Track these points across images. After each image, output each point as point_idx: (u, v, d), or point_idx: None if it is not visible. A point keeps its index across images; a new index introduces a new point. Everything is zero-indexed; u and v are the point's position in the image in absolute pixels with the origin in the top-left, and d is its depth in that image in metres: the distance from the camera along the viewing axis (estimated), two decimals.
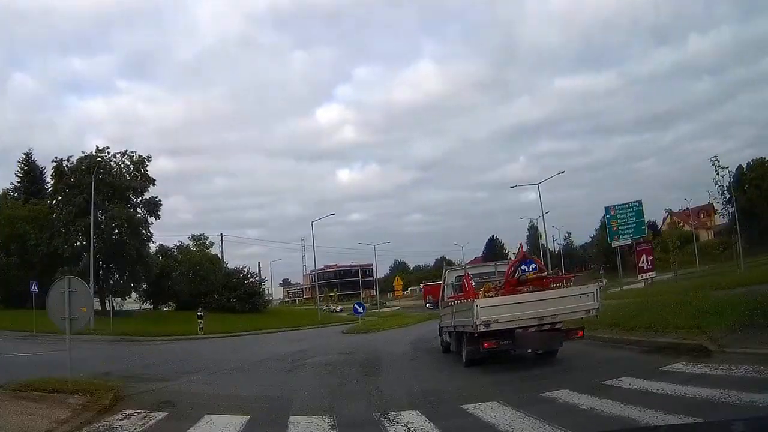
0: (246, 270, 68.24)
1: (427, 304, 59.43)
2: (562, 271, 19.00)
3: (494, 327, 13.16)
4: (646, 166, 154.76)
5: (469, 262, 44.55)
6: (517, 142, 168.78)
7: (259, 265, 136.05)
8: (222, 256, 70.57)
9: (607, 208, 52.35)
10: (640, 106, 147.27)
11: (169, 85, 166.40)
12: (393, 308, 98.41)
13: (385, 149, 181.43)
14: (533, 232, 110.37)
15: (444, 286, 20.09)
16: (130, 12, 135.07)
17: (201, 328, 42.87)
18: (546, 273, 15.48)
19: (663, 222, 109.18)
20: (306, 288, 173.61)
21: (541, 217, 61.46)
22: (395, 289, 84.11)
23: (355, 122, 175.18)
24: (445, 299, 19.63)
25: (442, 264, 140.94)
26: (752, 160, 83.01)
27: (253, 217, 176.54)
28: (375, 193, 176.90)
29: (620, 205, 51.73)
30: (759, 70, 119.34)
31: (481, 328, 13.09)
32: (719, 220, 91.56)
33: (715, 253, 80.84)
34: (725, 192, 55.26)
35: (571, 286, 14.83)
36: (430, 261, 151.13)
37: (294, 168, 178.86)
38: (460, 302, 16.16)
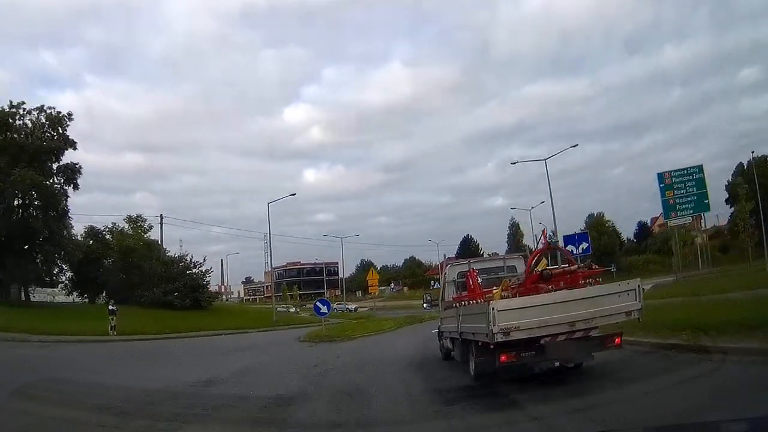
0: (188, 258, 56.50)
1: (425, 304, 45.45)
2: (595, 266, 14.10)
3: (515, 336, 10.27)
4: (617, 173, 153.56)
5: (446, 261, 36.52)
6: (487, 146, 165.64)
7: (222, 263, 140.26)
8: (161, 242, 58.60)
9: (660, 175, 43.16)
10: (613, 114, 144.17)
11: (139, 81, 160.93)
12: (362, 309, 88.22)
13: (354, 150, 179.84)
14: (514, 230, 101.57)
15: (444, 284, 17.77)
16: (101, 6, 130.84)
17: (113, 327, 34.19)
18: (576, 266, 12.78)
19: (653, 223, 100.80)
20: (267, 286, 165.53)
21: (549, 200, 48.77)
22: (369, 284, 71.21)
23: (323, 122, 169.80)
24: (446, 299, 17.40)
25: (411, 263, 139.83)
26: (754, 157, 76.67)
27: (221, 214, 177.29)
28: (342, 194, 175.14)
29: (677, 171, 42.30)
30: (732, 83, 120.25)
31: (499, 338, 10.19)
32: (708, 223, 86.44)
33: (717, 254, 77.30)
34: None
35: (600, 283, 11.84)
36: (399, 261, 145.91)
37: (262, 167, 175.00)
38: (468, 304, 13.65)
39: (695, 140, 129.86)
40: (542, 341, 10.62)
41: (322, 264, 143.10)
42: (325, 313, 34.30)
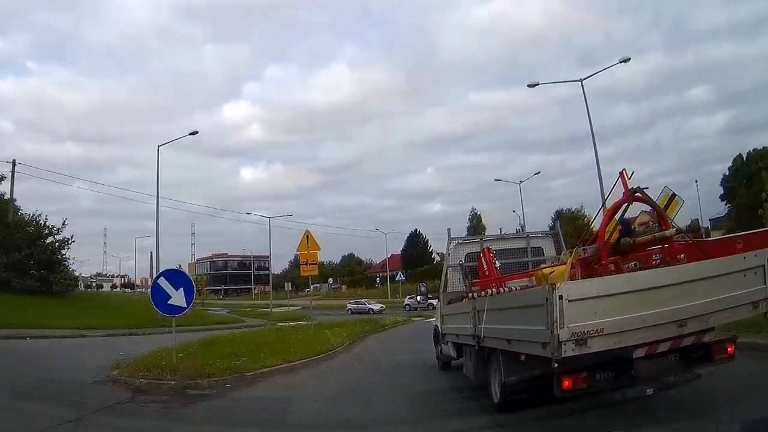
0: (43, 221, 37.73)
1: (418, 297, 31.52)
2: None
3: (595, 346, 6.16)
4: (558, 185, 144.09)
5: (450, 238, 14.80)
6: (428, 152, 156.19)
7: (151, 256, 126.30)
8: (11, 196, 39.25)
9: None
10: (558, 126, 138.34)
11: (81, 71, 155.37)
12: (292, 308, 73.26)
13: (292, 150, 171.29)
14: (475, 222, 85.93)
15: (447, 270, 12.88)
16: None
17: None
18: (675, 230, 8.14)
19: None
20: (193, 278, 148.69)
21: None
22: (307, 262, 53.32)
23: (263, 121, 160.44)
24: (451, 289, 12.69)
25: (350, 261, 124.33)
26: (753, 150, 68.33)
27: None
28: (279, 193, 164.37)
29: None
30: (682, 101, 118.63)
31: (569, 350, 6.04)
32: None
33: None
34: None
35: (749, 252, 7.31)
36: (336, 258, 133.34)
37: (199, 163, 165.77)
38: (498, 292, 9.15)
39: (641, 155, 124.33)
40: (635, 353, 6.55)
41: (250, 257, 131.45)
42: (181, 309, 12.53)
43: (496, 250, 11.66)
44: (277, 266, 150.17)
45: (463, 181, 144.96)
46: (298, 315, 54.88)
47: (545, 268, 9.66)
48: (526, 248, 12.41)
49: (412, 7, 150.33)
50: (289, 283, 72.98)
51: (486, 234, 77.53)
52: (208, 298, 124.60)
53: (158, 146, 37.57)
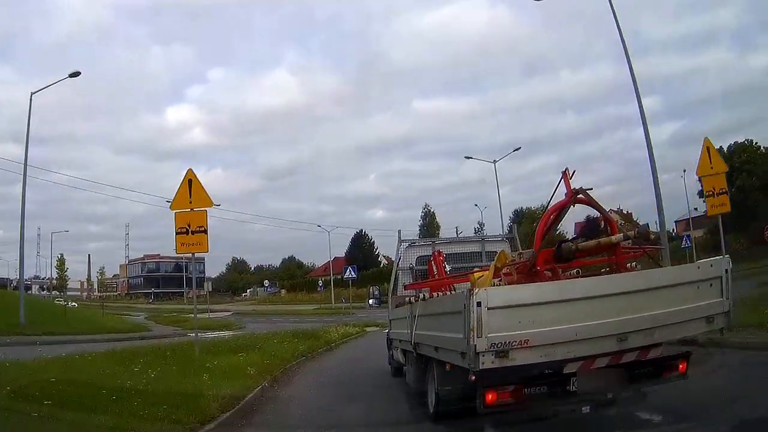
0: None
1: (371, 300, 31.67)
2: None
3: (520, 358, 5.70)
4: (502, 193, 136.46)
5: (401, 241, 12.87)
6: (371, 158, 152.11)
7: (89, 258, 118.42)
8: None
9: None
10: (503, 134, 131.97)
11: (21, 70, 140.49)
12: (224, 313, 65.40)
13: (235, 154, 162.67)
14: (428, 220, 77.54)
15: (397, 273, 12.26)
16: None
17: None
18: (622, 235, 6.95)
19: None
20: (124, 281, 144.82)
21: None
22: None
23: (205, 124, 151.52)
24: (399, 293, 11.80)
25: (290, 264, 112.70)
26: (734, 143, 64.08)
27: (97, 211, 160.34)
28: (221, 197, 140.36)
29: None
30: (629, 111, 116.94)
31: (488, 362, 5.61)
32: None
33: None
34: None
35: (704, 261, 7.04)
36: (276, 261, 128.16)
37: (141, 165, 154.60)
38: (430, 297, 8.75)
39: (587, 164, 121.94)
40: (566, 368, 5.95)
41: (184, 259, 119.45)
42: None
43: (450, 254, 11.07)
44: (215, 269, 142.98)
45: (407, 187, 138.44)
46: (223, 323, 45.75)
47: (476, 272, 8.27)
48: (482, 252, 11.45)
49: (358, 13, 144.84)
50: (209, 283, 62.76)
51: (441, 233, 70.31)
52: (136, 301, 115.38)
53: (31, 93, 28.44)
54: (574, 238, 7.76)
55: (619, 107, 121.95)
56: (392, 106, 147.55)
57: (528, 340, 5.60)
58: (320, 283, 71.62)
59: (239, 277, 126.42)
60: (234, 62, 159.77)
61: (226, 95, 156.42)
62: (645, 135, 19.37)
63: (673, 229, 74.76)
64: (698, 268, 6.63)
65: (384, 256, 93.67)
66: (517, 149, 40.10)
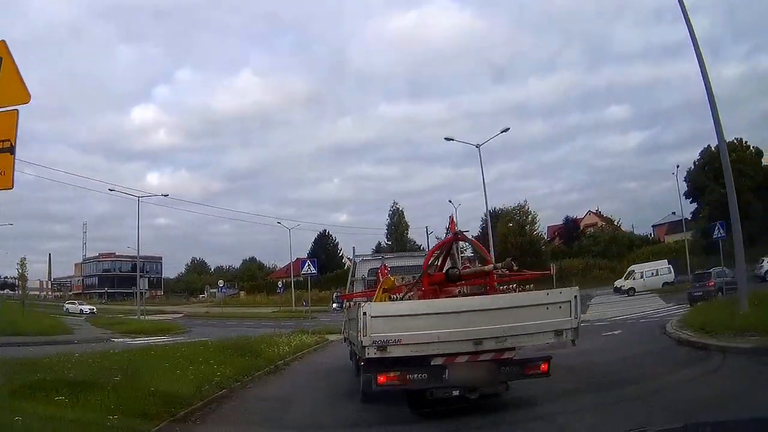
0: None
1: (334, 304, 34.85)
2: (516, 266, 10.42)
3: (396, 352, 7.75)
4: (467, 198, 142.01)
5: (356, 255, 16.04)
6: (336, 161, 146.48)
7: (49, 257, 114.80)
8: None
9: None
10: (470, 139, 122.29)
11: None
12: (175, 315, 59.80)
13: (199, 156, 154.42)
14: (396, 219, 71.78)
15: (352, 283, 14.11)
16: None
17: None
18: (492, 266, 9.53)
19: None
20: (78, 280, 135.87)
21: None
22: None
23: (170, 125, 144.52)
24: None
25: (251, 265, 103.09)
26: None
27: (60, 210, 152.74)
28: (185, 198, 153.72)
29: None
30: (595, 119, 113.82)
31: (372, 353, 7.69)
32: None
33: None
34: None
35: (530, 289, 11.07)
36: (237, 262, 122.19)
37: (105, 165, 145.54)
38: (351, 306, 11.49)
39: (554, 171, 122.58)
40: (435, 362, 7.94)
41: (136, 257, 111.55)
42: None
43: (399, 267, 12.43)
44: (173, 270, 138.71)
45: (372, 191, 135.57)
46: (164, 326, 39.59)
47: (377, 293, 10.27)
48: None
49: (325, 16, 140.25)
50: (144, 280, 56.80)
51: (409, 232, 65.17)
52: (89, 301, 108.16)
53: None
54: (454, 268, 9.51)
55: (587, 114, 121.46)
56: (359, 110, 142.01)
57: (401, 339, 7.64)
58: (280, 284, 65.43)
59: (198, 278, 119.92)
60: (200, 63, 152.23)
61: (192, 96, 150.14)
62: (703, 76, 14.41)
63: (650, 234, 70.92)
64: (548, 294, 8.31)
65: (348, 258, 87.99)
66: (505, 130, 34.16)
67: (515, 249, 53.00)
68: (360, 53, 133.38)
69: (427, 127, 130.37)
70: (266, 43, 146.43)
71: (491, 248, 33.63)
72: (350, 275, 14.40)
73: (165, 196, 51.98)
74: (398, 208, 74.53)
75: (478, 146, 34.27)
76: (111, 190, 47.01)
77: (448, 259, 9.94)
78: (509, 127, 34.36)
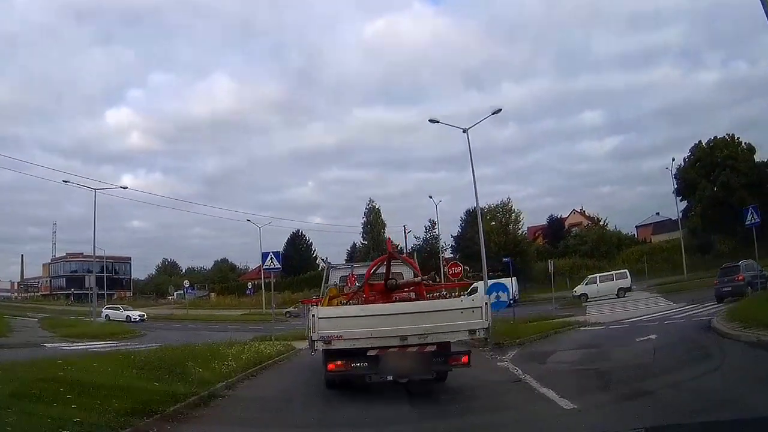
0: None
1: (293, 307, 35.63)
2: (440, 278, 14.86)
3: (338, 345, 9.58)
4: (444, 200, 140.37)
5: (329, 265, 17.99)
6: (309, 166, 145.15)
7: (22, 259, 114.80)
8: None
9: None
10: (442, 144, 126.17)
11: None
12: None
13: (173, 159, 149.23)
14: (372, 218, 67.27)
15: (327, 290, 14.19)
16: None
17: None
18: (420, 279, 11.95)
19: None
20: (46, 280, 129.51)
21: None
22: None
23: (144, 128, 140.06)
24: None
25: (222, 266, 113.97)
26: (714, 137, 55.43)
27: (34, 214, 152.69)
28: (160, 202, 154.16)
29: None
30: (570, 124, 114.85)
31: (320, 345, 9.62)
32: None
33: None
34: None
35: (458, 296, 12.75)
36: (208, 263, 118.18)
37: (79, 169, 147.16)
38: (309, 308, 12.14)
39: (527, 176, 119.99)
40: (370, 353, 9.57)
41: (108, 259, 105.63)
42: None
43: (362, 275, 12.98)
44: (143, 271, 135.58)
45: (346, 195, 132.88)
46: (116, 329, 35.04)
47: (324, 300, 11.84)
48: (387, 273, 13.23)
49: (298, 21, 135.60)
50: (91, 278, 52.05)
51: (386, 231, 61.45)
52: (54, 302, 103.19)
53: None
54: (392, 279, 11.33)
55: (561, 120, 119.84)
56: (332, 115, 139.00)
57: (341, 335, 9.38)
58: (249, 286, 60.59)
59: (168, 280, 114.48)
60: (173, 67, 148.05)
61: (165, 99, 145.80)
62: None
63: (634, 235, 67.60)
64: (462, 300, 10.99)
65: (322, 259, 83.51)
66: (497, 111, 29.80)
67: (499, 249, 48.87)
68: (333, 59, 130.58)
69: (401, 132, 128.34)
70: (240, 48, 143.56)
71: (482, 241, 30.14)
72: (323, 282, 15.09)
73: (124, 188, 46.87)
74: (374, 206, 70.09)
75: (465, 130, 30.23)
76: (65, 182, 43.16)
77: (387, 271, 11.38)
78: (501, 108, 30.21)
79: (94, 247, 46.44)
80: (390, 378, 9.67)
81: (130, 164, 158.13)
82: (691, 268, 47.13)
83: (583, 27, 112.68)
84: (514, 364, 13.14)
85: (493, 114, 30.21)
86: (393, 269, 12.23)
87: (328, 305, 10.89)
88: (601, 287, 40.00)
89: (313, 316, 9.53)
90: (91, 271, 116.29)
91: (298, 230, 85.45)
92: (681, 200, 53.41)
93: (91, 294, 50.29)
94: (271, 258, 20.30)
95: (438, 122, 31.43)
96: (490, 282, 26.30)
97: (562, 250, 56.90)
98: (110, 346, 23.58)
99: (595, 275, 42.46)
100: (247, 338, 23.51)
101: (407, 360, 9.51)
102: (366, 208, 70.52)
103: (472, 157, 29.03)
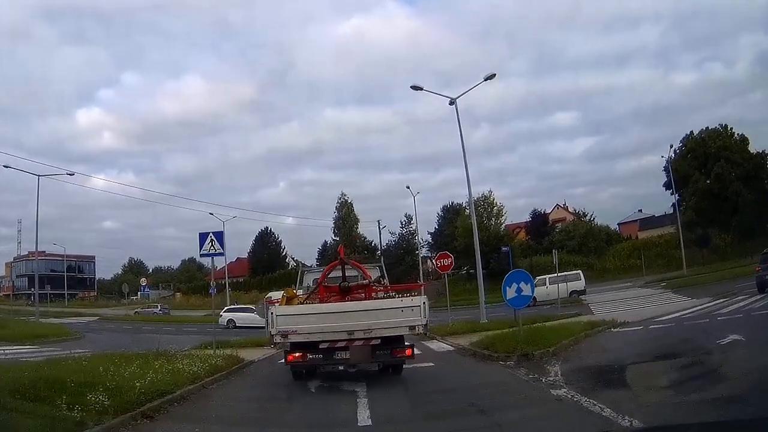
0: None
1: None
2: (382, 279, 13.54)
3: (294, 339, 10.62)
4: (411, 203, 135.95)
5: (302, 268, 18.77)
6: (280, 166, 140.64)
7: None
8: None
9: None
10: (414, 145, 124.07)
11: None
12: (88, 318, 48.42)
13: (144, 159, 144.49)
14: (344, 212, 61.56)
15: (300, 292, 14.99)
16: None
17: None
18: (368, 281, 12.41)
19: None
20: (8, 280, 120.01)
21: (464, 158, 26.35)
22: None
23: (114, 129, 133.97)
24: None
25: (189, 266, 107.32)
26: (706, 128, 51.15)
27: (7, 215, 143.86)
28: (131, 202, 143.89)
29: None
30: (544, 125, 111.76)
31: (279, 339, 10.67)
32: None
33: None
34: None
35: (409, 297, 11.68)
36: (176, 263, 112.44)
37: (49, 169, 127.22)
38: (268, 308, 13.87)
39: (500, 177, 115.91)
40: (321, 345, 10.53)
41: (70, 258, 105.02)
42: None
43: (334, 277, 13.03)
44: (108, 270, 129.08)
45: (318, 196, 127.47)
46: (49, 330, 29.75)
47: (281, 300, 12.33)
48: (357, 275, 13.39)
49: (270, 21, 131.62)
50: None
51: (359, 227, 56.08)
52: (14, 302, 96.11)
53: None
54: (344, 282, 11.90)
55: (534, 121, 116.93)
56: (305, 115, 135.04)
57: (296, 330, 10.34)
58: (212, 284, 54.69)
59: (135, 279, 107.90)
60: (145, 67, 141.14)
61: (137, 100, 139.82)
62: None
63: (617, 231, 63.33)
64: (402, 300, 10.85)
65: (292, 258, 77.74)
66: (490, 77, 25.08)
67: (480, 245, 43.61)
68: (306, 59, 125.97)
69: (374, 133, 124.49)
70: (212, 48, 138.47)
71: (475, 232, 26.13)
72: (297, 284, 15.05)
73: (70, 174, 42.25)
74: (347, 200, 64.23)
75: (452, 101, 25.76)
76: (6, 167, 38.16)
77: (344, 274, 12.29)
78: (495, 74, 25.26)
79: (37, 239, 40.84)
80: (341, 368, 11.06)
81: (101, 164, 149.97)
82: (688, 263, 42.79)
83: (563, 26, 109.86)
84: (581, 393, 7.84)
85: (486, 80, 25.24)
86: (346, 273, 12.74)
87: (286, 305, 11.42)
88: (550, 290, 33.30)
89: (272, 313, 10.65)
90: (55, 271, 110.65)
91: (267, 228, 79.79)
92: (672, 194, 49.12)
93: (35, 294, 44.28)
94: (212, 241, 14.66)
95: (422, 89, 26.66)
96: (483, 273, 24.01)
97: (547, 246, 52.00)
98: (20, 352, 19.00)
99: (543, 276, 36.19)
100: (191, 344, 18.73)
101: (355, 352, 10.38)
102: (338, 202, 64.88)
103: (462, 128, 24.36)
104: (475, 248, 24.81)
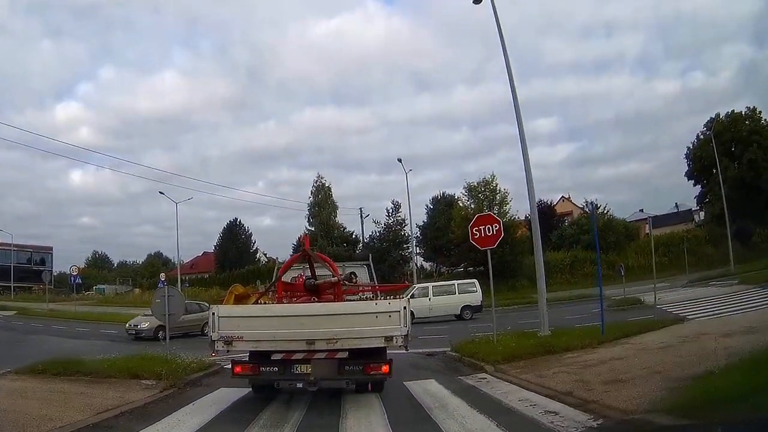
0: None
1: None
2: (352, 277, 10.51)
3: (239, 346, 8.13)
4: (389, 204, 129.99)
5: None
6: (257, 165, 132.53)
7: None
8: None
9: None
10: (393, 147, 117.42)
11: None
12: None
13: (122, 155, 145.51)
14: (321, 197, 51.34)
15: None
16: None
17: None
18: (337, 279, 9.52)
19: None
20: None
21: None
22: None
23: (93, 124, 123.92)
24: None
25: (155, 260, 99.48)
26: (732, 111, 42.30)
27: None
28: (106, 199, 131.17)
29: None
30: (525, 130, 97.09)
31: (220, 346, 8.03)
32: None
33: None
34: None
35: (385, 300, 9.00)
36: (141, 257, 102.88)
37: (25, 162, 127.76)
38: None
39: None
40: (273, 356, 8.10)
41: (25, 247, 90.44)
42: None
43: (319, 275, 10.93)
44: (75, 263, 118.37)
45: (294, 196, 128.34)
46: None
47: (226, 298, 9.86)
48: (342, 272, 11.19)
49: (249, 19, 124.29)
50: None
51: (338, 215, 47.73)
52: None
53: None
54: (310, 279, 9.33)
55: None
56: (282, 114, 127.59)
57: (242, 336, 7.81)
58: (162, 277, 44.95)
59: (98, 273, 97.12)
60: (123, 62, 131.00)
61: (115, 95, 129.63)
62: None
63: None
64: (376, 304, 8.16)
65: (263, 253, 67.85)
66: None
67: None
68: (284, 57, 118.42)
69: (351, 134, 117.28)
70: (189, 45, 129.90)
71: (533, 208, 18.18)
72: (272, 281, 12.83)
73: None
74: (323, 183, 52.93)
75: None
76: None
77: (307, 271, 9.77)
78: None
79: None
80: (300, 385, 8.09)
81: (78, 159, 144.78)
82: (723, 259, 34.59)
83: (543, 32, 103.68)
84: None
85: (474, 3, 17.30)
86: (326, 271, 10.14)
87: (234, 303, 8.96)
88: (434, 303, 24.74)
89: (213, 314, 8.04)
90: (5, 262, 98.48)
91: (236, 219, 70.10)
92: (694, 185, 41.18)
93: None
94: None
95: None
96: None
97: (556, 242, 43.11)
98: None
99: (426, 284, 27.78)
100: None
101: (317, 366, 7.88)
102: (314, 186, 53.15)
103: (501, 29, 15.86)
104: (533, 230, 16.17)
